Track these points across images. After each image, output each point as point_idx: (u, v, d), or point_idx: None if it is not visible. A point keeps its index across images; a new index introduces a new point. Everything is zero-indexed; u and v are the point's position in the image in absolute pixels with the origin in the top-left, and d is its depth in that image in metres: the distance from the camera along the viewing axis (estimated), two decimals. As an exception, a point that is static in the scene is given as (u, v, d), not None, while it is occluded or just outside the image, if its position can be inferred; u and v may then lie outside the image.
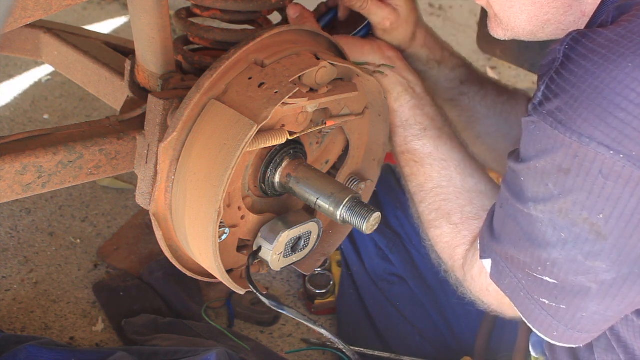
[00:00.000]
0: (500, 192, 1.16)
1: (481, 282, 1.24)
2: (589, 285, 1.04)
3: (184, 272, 1.31)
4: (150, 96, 1.22)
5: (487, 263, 1.19)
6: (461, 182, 1.32)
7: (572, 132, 0.97)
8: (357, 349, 1.69)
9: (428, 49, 1.51)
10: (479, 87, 1.57)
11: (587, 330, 1.11)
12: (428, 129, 1.35)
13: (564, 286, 1.07)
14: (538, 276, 1.09)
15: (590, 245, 1.01)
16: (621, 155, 0.94)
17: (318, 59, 1.20)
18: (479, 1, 1.24)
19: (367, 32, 1.48)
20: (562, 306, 1.09)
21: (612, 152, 0.94)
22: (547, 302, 1.10)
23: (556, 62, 1.01)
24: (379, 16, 1.41)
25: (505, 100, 1.58)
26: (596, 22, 1.08)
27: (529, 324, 1.16)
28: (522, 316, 1.16)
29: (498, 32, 1.22)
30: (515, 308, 1.16)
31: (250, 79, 1.16)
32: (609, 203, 0.97)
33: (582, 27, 1.13)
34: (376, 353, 1.70)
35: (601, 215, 0.99)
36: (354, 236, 1.92)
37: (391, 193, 1.78)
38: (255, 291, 1.22)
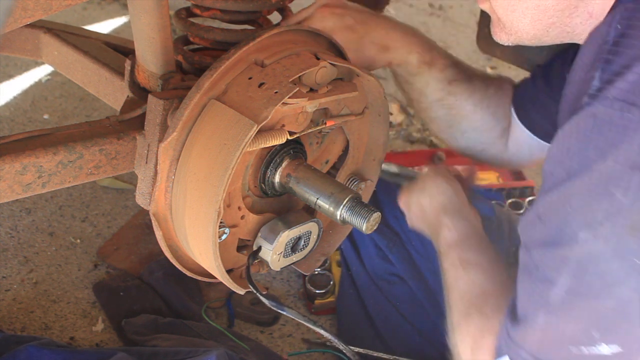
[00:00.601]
0: (521, 262, 0.98)
1: None
2: None
3: (184, 272, 1.31)
4: (150, 96, 1.22)
5: None
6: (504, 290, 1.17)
7: None
8: (356, 349, 1.69)
9: (417, 53, 1.50)
10: (467, 84, 1.55)
11: None
12: (485, 250, 1.26)
13: (631, 353, 0.84)
14: (586, 352, 0.86)
15: None
16: None
17: (318, 59, 1.20)
18: (482, 5, 1.19)
19: None
20: None
21: None
22: None
23: (606, 45, 0.90)
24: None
25: (493, 94, 1.56)
26: (611, 22, 1.00)
27: None
28: None
29: (502, 36, 1.17)
30: None
31: (250, 79, 1.16)
32: None
33: (589, 28, 1.08)
34: (375, 354, 1.70)
35: None
36: (354, 236, 1.92)
37: (390, 193, 1.78)
38: (255, 291, 1.23)
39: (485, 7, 1.18)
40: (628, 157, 0.81)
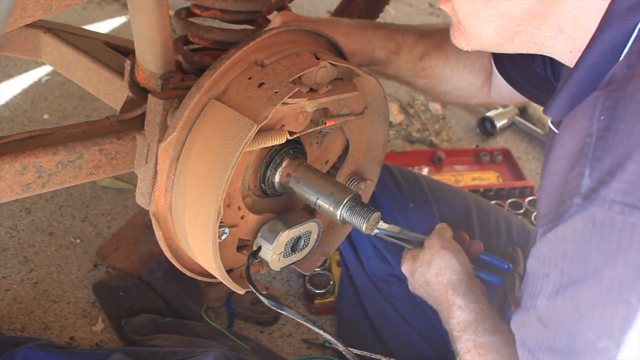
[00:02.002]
0: None
1: None
2: None
3: (184, 272, 1.31)
4: (150, 96, 1.22)
5: None
6: None
7: None
8: (356, 351, 1.69)
9: (381, 48, 1.49)
10: (439, 53, 1.53)
11: None
12: (500, 330, 1.23)
13: None
14: None
15: None
16: None
17: (318, 58, 1.20)
18: (443, 5, 1.12)
19: None
20: None
21: None
22: None
23: (591, 137, 0.85)
24: None
25: (469, 53, 1.51)
26: (602, 48, 0.97)
27: None
28: None
29: (460, 41, 1.11)
30: None
31: (250, 78, 1.16)
32: None
33: (561, 44, 1.04)
34: (375, 356, 1.70)
35: None
36: (352, 237, 1.92)
37: (388, 193, 1.78)
38: (255, 291, 1.23)
39: (446, 8, 1.12)
40: (639, 263, 0.79)
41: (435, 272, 1.34)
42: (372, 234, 1.33)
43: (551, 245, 0.89)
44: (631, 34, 0.94)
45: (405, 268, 1.44)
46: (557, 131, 1.07)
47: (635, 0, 0.94)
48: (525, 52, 1.09)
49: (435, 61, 1.54)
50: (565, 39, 1.03)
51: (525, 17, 1.01)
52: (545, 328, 0.89)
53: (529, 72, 1.41)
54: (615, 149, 0.81)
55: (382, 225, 1.41)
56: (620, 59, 0.94)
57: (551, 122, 1.15)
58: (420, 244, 1.44)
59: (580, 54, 1.01)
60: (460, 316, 1.26)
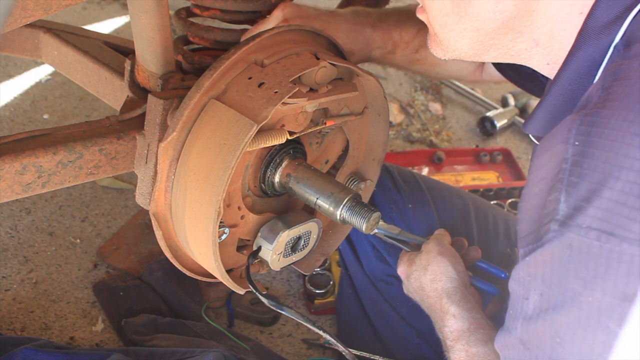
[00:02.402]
0: None
1: None
2: None
3: (184, 272, 1.31)
4: (150, 96, 1.22)
5: None
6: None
7: (631, 242, 0.77)
8: (355, 351, 1.69)
9: (378, 49, 1.52)
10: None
11: None
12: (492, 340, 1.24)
13: None
14: None
15: None
16: None
17: (318, 58, 1.20)
18: (420, 15, 1.12)
19: None
20: None
21: None
22: None
23: (566, 163, 0.85)
24: None
25: None
26: (577, 66, 0.96)
27: None
28: None
29: (437, 51, 1.11)
30: None
31: (250, 78, 1.16)
32: None
33: (534, 56, 1.04)
34: (374, 357, 1.70)
35: None
36: (351, 237, 1.92)
37: (387, 194, 1.78)
38: (255, 291, 1.22)
39: (422, 18, 1.11)
40: (617, 289, 0.79)
41: (430, 278, 1.34)
42: (372, 233, 1.32)
43: (529, 270, 0.90)
44: (606, 53, 0.93)
45: (401, 270, 1.44)
46: (537, 143, 1.07)
47: (610, 18, 0.93)
48: (503, 62, 1.09)
49: (430, 52, 1.55)
50: (541, 51, 1.03)
51: (499, 31, 1.01)
52: (528, 350, 0.90)
53: (518, 67, 1.42)
54: (590, 176, 0.82)
55: (382, 225, 1.41)
56: (596, 79, 0.94)
57: (532, 135, 1.15)
58: (417, 247, 1.44)
59: (558, 67, 1.01)
60: (453, 325, 1.26)
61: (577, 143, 0.85)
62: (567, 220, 0.82)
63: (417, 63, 1.60)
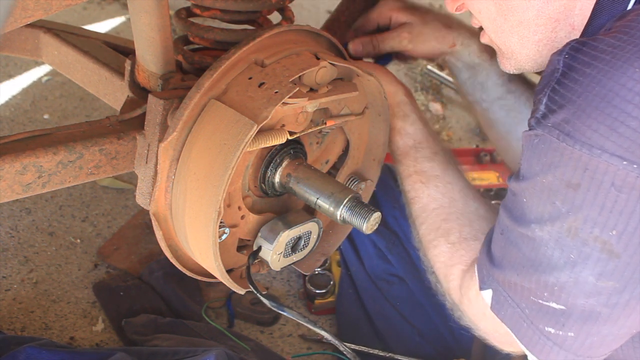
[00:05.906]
0: (499, 218, 1.12)
1: (478, 306, 1.19)
2: (600, 309, 0.99)
3: (184, 272, 1.31)
4: (150, 96, 1.22)
5: (487, 294, 1.14)
6: (463, 205, 1.31)
7: (582, 144, 0.92)
8: (354, 346, 1.69)
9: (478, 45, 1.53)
10: (526, 86, 1.56)
11: (599, 354, 1.06)
12: (438, 154, 1.37)
13: (572, 312, 1.02)
14: (544, 303, 1.04)
15: (602, 265, 0.96)
16: (634, 166, 0.89)
17: (318, 58, 1.20)
18: (483, 40, 1.25)
19: (390, 59, 1.57)
20: (570, 334, 1.03)
21: (625, 162, 0.90)
22: (553, 331, 1.04)
23: (556, 73, 0.98)
24: (393, 41, 1.50)
25: None
26: (592, 33, 1.04)
27: (533, 356, 1.10)
28: (525, 349, 1.10)
29: (506, 65, 1.22)
30: (517, 341, 1.11)
31: (250, 78, 1.16)
32: (622, 218, 0.93)
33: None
34: (372, 351, 1.70)
35: (614, 232, 0.94)
36: (353, 237, 1.92)
37: (389, 193, 1.78)
38: (255, 291, 1.23)
39: (485, 40, 1.25)
40: (564, 177, 0.96)
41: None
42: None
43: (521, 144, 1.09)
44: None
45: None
46: None
47: None
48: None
49: (522, 91, 1.59)
50: (578, 35, 1.09)
51: (538, 21, 1.09)
52: (514, 196, 1.08)
53: None
54: (566, 91, 0.96)
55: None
56: None
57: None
58: None
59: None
60: (400, 141, 1.39)
61: (566, 56, 0.98)
62: (541, 119, 0.98)
63: (507, 102, 1.59)
